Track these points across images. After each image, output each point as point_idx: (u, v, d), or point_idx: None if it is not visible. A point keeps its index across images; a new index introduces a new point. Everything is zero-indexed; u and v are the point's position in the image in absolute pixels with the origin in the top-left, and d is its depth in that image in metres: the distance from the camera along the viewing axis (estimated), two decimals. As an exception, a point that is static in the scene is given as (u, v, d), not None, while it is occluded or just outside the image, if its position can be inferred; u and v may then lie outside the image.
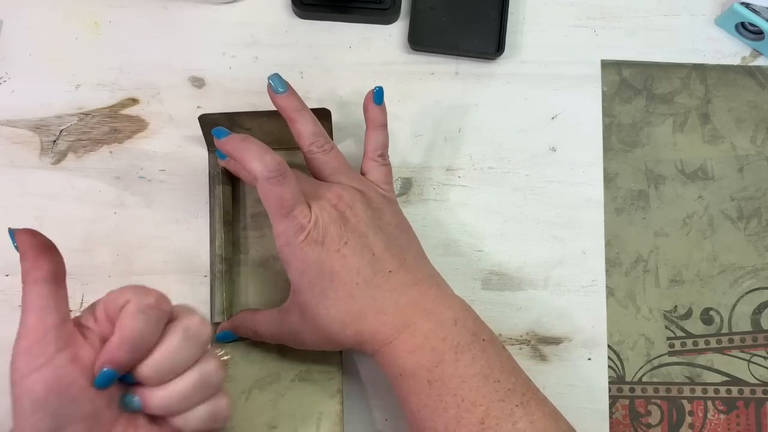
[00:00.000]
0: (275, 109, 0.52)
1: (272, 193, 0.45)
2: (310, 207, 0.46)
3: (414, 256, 0.48)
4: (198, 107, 0.58)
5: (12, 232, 0.37)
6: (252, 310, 0.52)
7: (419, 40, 0.59)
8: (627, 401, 0.55)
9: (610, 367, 0.55)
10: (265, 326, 0.50)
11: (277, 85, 0.50)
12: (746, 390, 0.55)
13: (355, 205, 0.47)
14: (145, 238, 0.55)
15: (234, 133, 0.48)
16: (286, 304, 0.49)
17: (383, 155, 0.52)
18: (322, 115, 0.53)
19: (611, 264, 0.57)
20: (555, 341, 0.55)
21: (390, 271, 0.46)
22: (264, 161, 0.44)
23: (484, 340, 0.45)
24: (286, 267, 0.47)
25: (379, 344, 0.45)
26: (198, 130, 0.54)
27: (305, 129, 0.50)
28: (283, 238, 0.46)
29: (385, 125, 0.52)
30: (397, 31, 0.60)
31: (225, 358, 0.45)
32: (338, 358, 0.53)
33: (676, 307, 0.56)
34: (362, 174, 0.52)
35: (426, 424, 0.43)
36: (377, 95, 0.51)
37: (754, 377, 0.55)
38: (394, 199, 0.51)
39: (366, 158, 0.52)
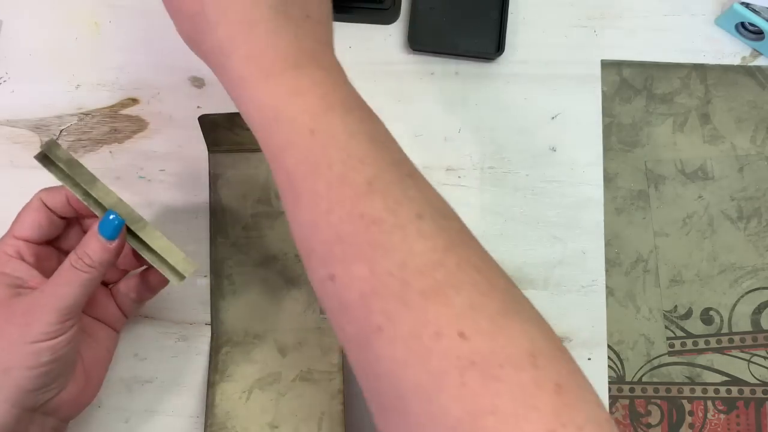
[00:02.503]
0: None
1: None
2: None
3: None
4: (198, 107, 0.58)
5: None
6: None
7: (419, 41, 0.59)
8: (627, 401, 0.55)
9: (610, 367, 0.55)
10: None
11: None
12: (746, 390, 0.55)
13: None
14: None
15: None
16: None
17: None
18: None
19: (611, 264, 0.57)
20: (555, 341, 0.55)
21: (308, 16, 0.38)
22: None
23: (372, 116, 0.38)
24: None
25: (240, 60, 0.36)
26: (198, 130, 0.54)
27: None
28: None
29: None
30: (396, 31, 0.60)
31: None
32: (339, 359, 0.53)
33: (676, 307, 0.56)
34: None
35: (304, 185, 0.35)
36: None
37: (754, 377, 0.55)
38: None
39: None
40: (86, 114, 0.58)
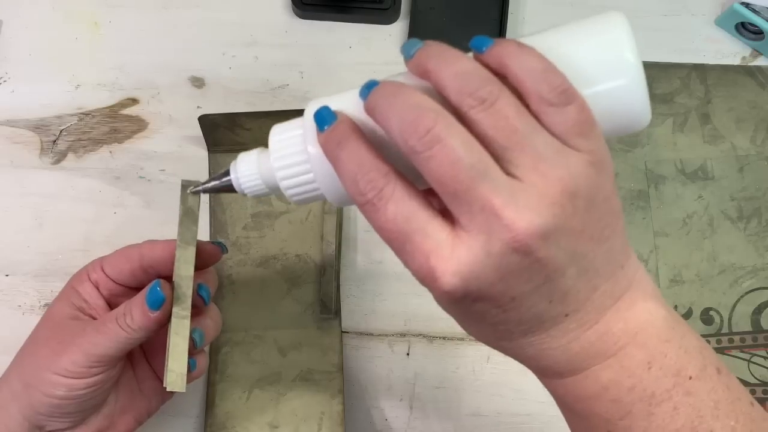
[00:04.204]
0: (275, 109, 0.51)
1: (372, 220, 0.32)
2: (456, 234, 0.30)
3: (612, 264, 0.32)
4: (198, 107, 0.58)
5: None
6: None
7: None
8: (627, 401, 0.55)
9: (610, 367, 0.55)
10: None
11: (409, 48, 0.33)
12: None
13: (559, 236, 0.30)
14: (145, 238, 0.55)
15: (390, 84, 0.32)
16: None
17: (560, 89, 0.30)
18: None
19: (611, 264, 0.56)
20: (555, 341, 0.55)
21: (567, 315, 0.32)
22: (355, 179, 0.31)
23: (691, 377, 0.32)
24: None
25: (533, 371, 0.36)
26: (198, 130, 0.54)
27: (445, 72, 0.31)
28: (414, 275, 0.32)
29: (526, 47, 0.32)
30: (397, 31, 0.60)
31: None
32: (339, 359, 0.53)
33: (676, 307, 0.56)
34: None
35: None
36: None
37: (754, 377, 0.55)
38: (600, 159, 0.31)
39: (532, 110, 0.31)
40: (86, 114, 0.58)
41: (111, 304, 0.45)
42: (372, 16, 0.59)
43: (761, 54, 0.60)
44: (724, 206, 0.58)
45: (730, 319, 0.56)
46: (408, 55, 0.33)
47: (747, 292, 0.57)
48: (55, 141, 0.57)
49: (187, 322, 0.42)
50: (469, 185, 0.29)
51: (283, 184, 0.35)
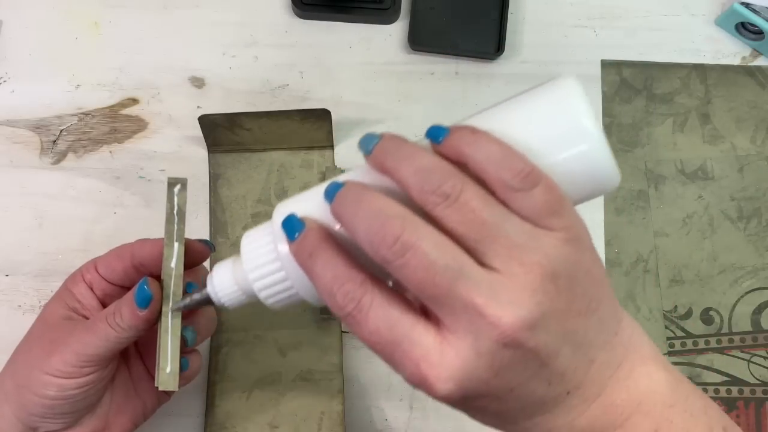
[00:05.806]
0: (275, 109, 0.51)
1: (355, 332, 0.31)
2: (443, 337, 0.30)
3: (605, 333, 0.32)
4: (198, 107, 0.58)
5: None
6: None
7: (419, 40, 0.59)
8: (627, 401, 0.55)
9: (610, 367, 0.55)
10: None
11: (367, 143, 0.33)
12: (746, 390, 0.55)
13: (547, 321, 0.29)
14: (144, 238, 0.55)
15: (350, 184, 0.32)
16: None
17: (523, 173, 0.30)
18: (322, 116, 0.53)
19: (611, 264, 0.57)
20: (555, 341, 0.55)
21: (568, 392, 0.32)
22: (332, 292, 0.31)
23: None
24: None
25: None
26: (198, 130, 0.54)
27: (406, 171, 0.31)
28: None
29: (483, 133, 0.31)
30: (397, 31, 0.60)
31: None
32: (339, 359, 0.53)
33: (676, 307, 0.56)
34: None
35: None
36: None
37: (754, 377, 0.55)
38: (575, 234, 0.31)
39: (499, 197, 0.30)
40: (86, 114, 0.58)
41: (105, 305, 0.45)
42: (372, 16, 0.59)
43: (761, 54, 0.60)
44: (724, 206, 0.58)
45: (730, 319, 0.56)
46: (366, 150, 0.32)
47: (747, 292, 0.57)
48: (55, 141, 0.57)
49: (178, 321, 0.42)
50: (448, 287, 0.29)
51: (261, 294, 0.35)
